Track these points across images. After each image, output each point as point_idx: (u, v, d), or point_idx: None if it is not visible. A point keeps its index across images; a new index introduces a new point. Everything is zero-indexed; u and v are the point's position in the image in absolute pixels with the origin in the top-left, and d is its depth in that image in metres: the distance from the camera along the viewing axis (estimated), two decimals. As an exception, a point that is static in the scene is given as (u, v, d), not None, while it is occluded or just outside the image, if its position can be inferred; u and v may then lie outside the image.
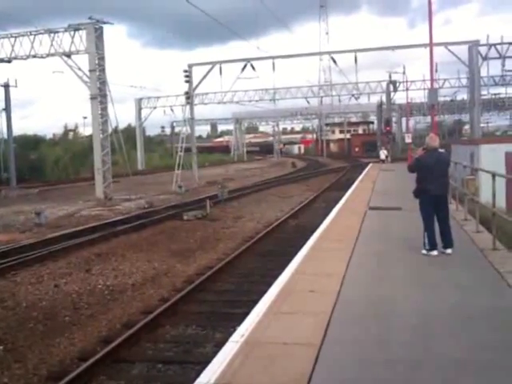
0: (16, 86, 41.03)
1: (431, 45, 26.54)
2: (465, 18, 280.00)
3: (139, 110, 69.81)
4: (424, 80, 54.91)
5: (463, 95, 63.33)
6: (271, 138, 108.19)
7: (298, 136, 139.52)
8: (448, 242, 9.57)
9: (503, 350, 5.29)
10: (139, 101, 69.29)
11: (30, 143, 56.79)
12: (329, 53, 49.10)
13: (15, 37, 32.67)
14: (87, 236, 17.32)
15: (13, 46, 32.66)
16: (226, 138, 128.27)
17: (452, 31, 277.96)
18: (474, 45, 38.45)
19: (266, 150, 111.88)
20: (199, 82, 42.75)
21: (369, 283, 7.85)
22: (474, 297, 7.07)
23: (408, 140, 44.39)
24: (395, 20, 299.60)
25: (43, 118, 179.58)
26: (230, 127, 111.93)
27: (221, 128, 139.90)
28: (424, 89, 54.76)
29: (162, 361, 7.74)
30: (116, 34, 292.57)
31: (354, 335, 5.79)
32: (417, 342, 5.56)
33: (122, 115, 39.70)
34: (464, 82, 52.98)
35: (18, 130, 61.34)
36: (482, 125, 48.90)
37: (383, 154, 48.07)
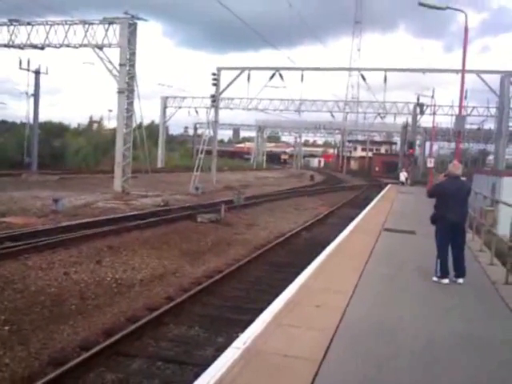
0: (47, 73, 41.46)
1: (463, 71, 26.39)
2: (503, 46, 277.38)
3: (164, 108, 70.16)
4: (452, 106, 54.64)
5: (490, 125, 62.89)
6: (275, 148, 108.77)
7: (319, 149, 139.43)
8: (460, 272, 9.50)
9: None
10: (165, 99, 69.69)
11: (55, 131, 57.24)
12: (359, 69, 49.00)
13: (50, 25, 33.05)
14: (101, 227, 17.42)
15: (47, 34, 33.04)
16: (247, 144, 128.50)
17: (488, 59, 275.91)
18: (506, 75, 38.20)
19: (270, 159, 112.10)
20: (226, 87, 42.93)
21: (376, 304, 7.83)
22: (481, 329, 7.02)
23: (430, 164, 44.15)
24: (432, 42, 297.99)
25: (70, 107, 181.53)
26: (252, 134, 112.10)
27: (243, 134, 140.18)
28: (451, 114, 54.46)
29: (162, 359, 7.77)
30: (151, 32, 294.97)
31: (356, 354, 5.78)
32: (417, 367, 5.55)
33: (146, 112, 40.14)
34: (493, 111, 52.66)
35: (44, 116, 61.95)
36: (506, 157, 48.47)
37: (403, 176, 47.85)
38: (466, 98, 35.51)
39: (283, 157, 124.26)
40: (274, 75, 42.87)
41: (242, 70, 43.20)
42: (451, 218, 9.42)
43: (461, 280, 9.45)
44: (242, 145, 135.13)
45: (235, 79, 42.83)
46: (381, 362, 5.60)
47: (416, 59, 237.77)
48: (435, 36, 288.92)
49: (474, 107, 58.66)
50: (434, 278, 9.48)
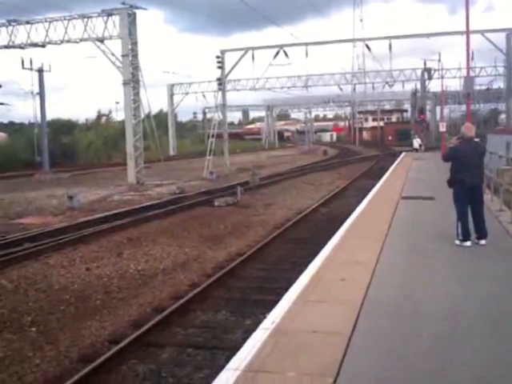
0: (50, 71, 41.44)
1: (468, 32, 25.92)
2: (508, 3, 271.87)
3: (171, 95, 70.11)
4: (460, 68, 53.91)
5: (500, 83, 62.02)
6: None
7: (331, 123, 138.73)
8: (482, 233, 9.41)
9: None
10: (171, 86, 69.59)
11: (63, 128, 57.46)
12: (363, 40, 48.54)
13: (49, 21, 33.01)
14: (119, 220, 17.46)
15: (47, 31, 33.02)
16: (258, 124, 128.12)
17: (493, 18, 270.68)
18: (511, 32, 37.58)
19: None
20: (231, 68, 42.68)
21: (400, 273, 7.75)
22: (508, 289, 6.91)
23: (442, 129, 43.72)
24: (436, 6, 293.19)
25: (77, 102, 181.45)
26: (262, 114, 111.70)
27: (252, 114, 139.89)
28: (460, 77, 53.69)
29: (192, 346, 7.76)
30: (154, 20, 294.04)
31: (385, 326, 5.72)
32: (447, 335, 5.46)
33: (154, 100, 40.23)
34: (501, 70, 51.86)
35: (52, 114, 62.14)
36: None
37: (417, 142, 47.39)
38: (472, 58, 35.06)
39: (286, 134, 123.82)
40: (278, 53, 42.57)
41: (246, 50, 42.93)
42: (468, 180, 9.33)
43: (483, 241, 9.36)
44: (252, 126, 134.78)
45: (239, 60, 42.63)
46: (409, 332, 5.52)
47: (421, 25, 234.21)
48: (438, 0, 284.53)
49: (481, 67, 57.83)
50: (457, 242, 9.39)
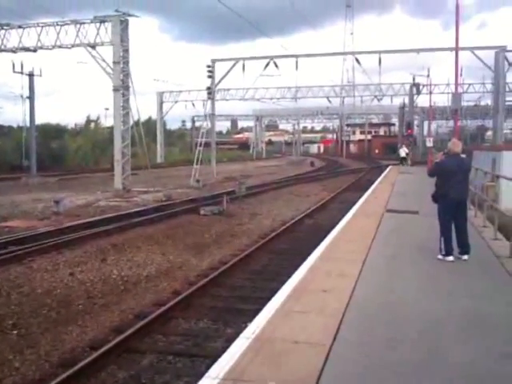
0: (40, 76, 41.35)
1: (457, 49, 26.27)
2: (501, 20, 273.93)
3: (161, 103, 70.12)
4: (448, 84, 54.52)
5: (487, 100, 62.71)
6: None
7: (318, 135, 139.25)
8: (465, 248, 9.50)
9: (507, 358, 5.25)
10: (161, 94, 69.61)
11: (52, 132, 57.17)
12: (353, 53, 48.93)
13: (41, 26, 32.97)
14: (104, 226, 17.41)
15: (39, 36, 32.97)
16: (246, 134, 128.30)
17: (486, 35, 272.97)
18: (500, 50, 38.01)
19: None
20: (222, 78, 42.84)
21: (382, 286, 7.81)
22: (487, 305, 6.99)
23: (429, 144, 44.00)
24: (429, 22, 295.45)
25: (66, 107, 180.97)
26: (251, 124, 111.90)
27: (241, 124, 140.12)
28: (448, 93, 54.31)
29: (173, 353, 7.77)
30: (148, 28, 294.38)
31: (365, 337, 5.77)
32: (425, 346, 5.52)
33: (143, 108, 40.20)
34: (489, 87, 52.47)
35: (41, 118, 61.71)
36: (505, 131, 48.33)
37: (403, 151, 47.20)
38: (461, 75, 35.41)
39: (261, 145, 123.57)
40: (268, 64, 42.78)
41: (237, 60, 43.12)
42: (453, 195, 9.42)
43: (466, 256, 9.44)
44: (240, 135, 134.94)
45: (230, 70, 42.80)
46: (389, 343, 5.58)
47: (413, 40, 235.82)
48: (432, 15, 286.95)
49: (470, 84, 58.67)
50: (439, 256, 9.46)
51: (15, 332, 8.56)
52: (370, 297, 7.22)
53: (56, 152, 50.49)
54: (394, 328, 6.06)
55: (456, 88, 29.41)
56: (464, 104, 54.26)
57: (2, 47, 33.87)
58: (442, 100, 65.56)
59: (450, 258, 9.37)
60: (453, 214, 9.53)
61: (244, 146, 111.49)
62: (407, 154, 46.85)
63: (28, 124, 42.02)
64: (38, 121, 47.14)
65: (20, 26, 33.40)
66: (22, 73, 39.94)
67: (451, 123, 45.86)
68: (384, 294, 7.41)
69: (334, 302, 6.91)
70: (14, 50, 34.20)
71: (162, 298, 10.50)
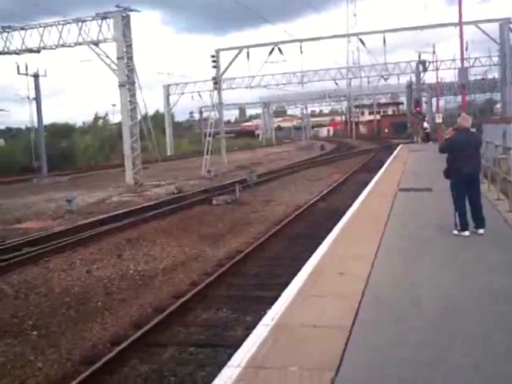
0: (45, 76, 41.39)
1: (461, 23, 25.99)
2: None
3: (167, 96, 70.04)
4: (454, 59, 53.87)
5: (494, 73, 61.93)
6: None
7: (327, 118, 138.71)
8: (480, 222, 9.42)
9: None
10: (167, 87, 69.52)
11: (61, 131, 57.28)
12: (357, 34, 48.42)
13: (44, 27, 32.97)
14: (118, 222, 17.45)
15: (41, 36, 32.97)
16: (255, 122, 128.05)
17: (490, 8, 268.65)
18: (505, 22, 37.45)
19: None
20: (227, 67, 42.64)
21: (399, 265, 7.75)
22: (506, 278, 6.91)
23: (438, 120, 43.62)
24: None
25: (73, 106, 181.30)
26: (259, 111, 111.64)
27: (249, 112, 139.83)
28: (454, 68, 53.67)
29: (194, 344, 7.77)
30: (151, 22, 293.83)
31: (385, 318, 5.73)
32: (445, 325, 5.47)
33: (150, 101, 40.15)
34: (495, 60, 51.78)
35: (49, 118, 62.03)
36: (513, 103, 47.73)
37: (427, 123, 45.77)
38: (466, 49, 35.01)
39: (257, 132, 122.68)
40: (273, 50, 42.47)
41: (241, 49, 42.87)
42: (465, 170, 9.35)
43: (481, 230, 9.37)
44: (249, 123, 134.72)
45: (234, 59, 42.54)
46: (409, 324, 5.52)
47: (418, 17, 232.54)
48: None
49: (476, 58, 57.77)
50: (455, 232, 9.40)
51: (35, 333, 8.59)
52: (387, 277, 7.16)
53: (65, 151, 50.59)
54: (411, 307, 6.01)
55: (462, 63, 29.13)
56: (471, 78, 53.64)
57: (6, 50, 33.92)
58: (449, 76, 64.73)
59: (466, 233, 9.29)
60: (466, 189, 9.46)
61: (249, 133, 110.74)
62: (426, 130, 45.40)
63: (36, 125, 42.14)
64: (46, 121, 47.39)
65: (22, 28, 33.41)
66: (27, 74, 39.98)
67: (460, 98, 45.36)
68: (401, 273, 7.35)
69: (351, 285, 6.87)
70: (17, 52, 34.25)
71: (180, 290, 10.50)
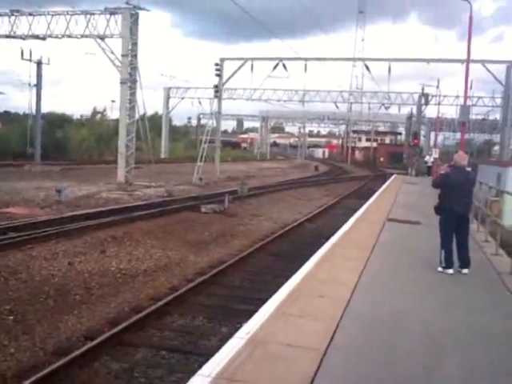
0: (48, 64, 41.36)
1: (468, 61, 26.21)
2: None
3: (167, 98, 70.11)
4: (457, 96, 54.31)
5: (496, 115, 62.43)
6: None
7: (324, 140, 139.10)
8: (465, 262, 9.46)
9: (505, 375, 5.24)
10: (168, 90, 69.60)
11: (58, 121, 57.16)
12: (362, 59, 48.92)
13: (52, 15, 32.96)
14: (105, 218, 17.41)
15: (49, 24, 32.96)
16: (251, 135, 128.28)
17: (501, 49, 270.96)
18: (512, 64, 37.97)
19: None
20: (229, 77, 42.74)
21: (380, 295, 7.80)
22: (485, 319, 6.98)
23: (435, 155, 43.81)
24: (446, 32, 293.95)
25: (72, 97, 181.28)
26: (256, 124, 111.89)
27: (246, 124, 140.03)
28: (456, 105, 54.09)
29: (167, 348, 7.80)
30: (160, 22, 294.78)
31: (360, 345, 5.77)
32: (421, 358, 5.52)
33: (150, 102, 40.38)
34: (499, 101, 52.25)
35: (47, 107, 61.93)
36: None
37: (430, 157, 44.90)
38: (471, 88, 35.29)
39: (243, 145, 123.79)
40: (277, 65, 42.64)
41: (245, 60, 43.05)
42: (456, 208, 9.38)
43: (466, 270, 9.41)
44: (245, 135, 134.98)
45: (238, 70, 42.68)
46: (384, 353, 5.58)
47: (426, 49, 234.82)
48: (449, 25, 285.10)
49: (479, 97, 58.19)
50: (439, 269, 9.44)
51: (11, 318, 8.59)
52: (366, 305, 7.21)
53: (60, 142, 50.46)
54: (388, 338, 6.06)
55: (465, 100, 29.30)
56: (472, 117, 54.07)
57: (12, 33, 33.85)
58: (451, 112, 65.22)
59: (450, 271, 9.35)
60: (455, 227, 9.49)
61: (235, 145, 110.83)
62: (427, 164, 44.34)
63: (34, 112, 42.02)
64: (44, 109, 47.26)
65: (30, 14, 33.38)
66: (30, 60, 39.96)
67: (458, 135, 45.63)
68: (380, 303, 7.40)
69: (330, 308, 6.92)
70: (23, 37, 34.17)
71: (159, 292, 10.52)
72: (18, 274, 10.85)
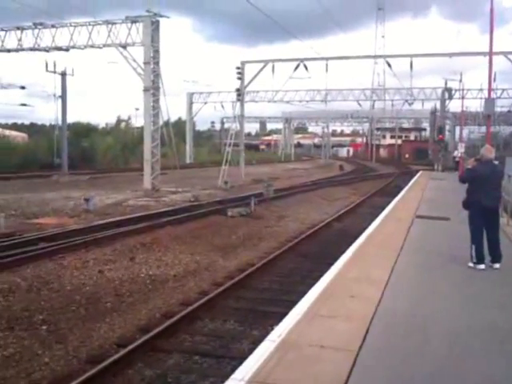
0: (73, 75, 41.86)
1: (490, 53, 25.80)
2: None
3: (190, 104, 70.48)
4: (481, 89, 53.65)
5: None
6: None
7: (347, 139, 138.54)
8: (496, 257, 9.33)
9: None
10: (191, 95, 69.97)
11: (83, 131, 57.83)
12: (383, 56, 48.42)
13: (74, 26, 33.36)
14: (133, 225, 17.56)
15: (71, 35, 33.36)
16: (275, 136, 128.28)
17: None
18: (535, 55, 37.33)
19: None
20: (251, 80, 42.74)
21: (411, 293, 7.73)
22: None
23: (461, 149, 43.26)
24: (467, 25, 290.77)
25: (97, 107, 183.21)
26: (279, 126, 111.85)
27: (270, 126, 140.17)
28: (481, 98, 53.45)
29: (199, 353, 7.81)
30: (181, 28, 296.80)
31: (393, 345, 5.72)
32: (453, 357, 5.44)
33: (174, 108, 40.46)
34: (524, 93, 51.45)
35: (72, 117, 62.58)
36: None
37: (458, 152, 44.43)
38: (495, 80, 34.78)
39: (261, 147, 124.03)
40: (298, 66, 42.56)
41: (266, 62, 43.01)
42: (485, 202, 9.26)
43: (497, 265, 9.29)
44: (269, 137, 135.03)
45: (259, 72, 42.61)
46: (417, 352, 5.52)
47: (448, 43, 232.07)
48: (470, 18, 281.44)
49: (503, 90, 57.41)
50: (470, 264, 9.33)
51: (45, 327, 8.69)
52: (398, 303, 7.15)
53: (86, 151, 51.04)
54: (420, 336, 5.99)
55: (489, 93, 28.83)
56: (497, 110, 53.27)
57: (36, 46, 34.34)
58: (475, 105, 64.08)
59: (481, 266, 9.23)
60: (484, 222, 9.37)
61: (253, 147, 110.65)
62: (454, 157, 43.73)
63: (60, 122, 42.56)
64: (70, 119, 47.80)
65: (53, 26, 33.82)
66: (54, 72, 40.47)
67: (484, 129, 45.01)
68: (412, 301, 7.33)
69: (361, 308, 6.87)
70: (46, 50, 34.64)
71: (189, 297, 10.56)
72: (50, 284, 10.99)
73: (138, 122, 68.57)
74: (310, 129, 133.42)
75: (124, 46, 31.98)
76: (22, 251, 13.20)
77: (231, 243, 16.26)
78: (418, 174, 39.49)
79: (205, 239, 16.46)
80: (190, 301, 10.23)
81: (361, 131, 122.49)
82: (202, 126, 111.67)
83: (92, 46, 33.23)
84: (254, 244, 16.31)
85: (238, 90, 41.33)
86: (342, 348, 5.55)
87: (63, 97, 41.36)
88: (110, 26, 32.37)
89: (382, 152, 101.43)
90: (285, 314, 6.72)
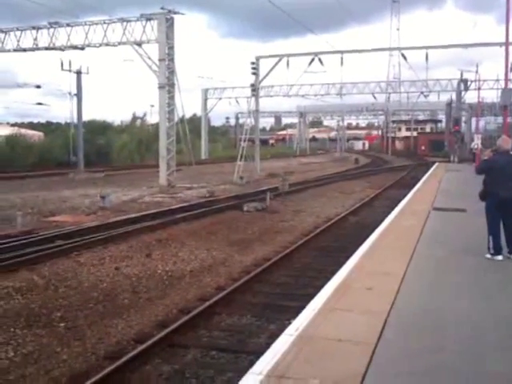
0: (88, 73, 42.07)
1: (507, 43, 25.54)
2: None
3: (205, 100, 70.57)
4: (498, 80, 53.09)
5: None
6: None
7: (363, 132, 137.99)
8: (514, 247, 9.26)
9: None
10: (205, 91, 70.04)
11: (99, 129, 58.21)
12: (399, 49, 48.18)
13: (89, 25, 33.52)
14: (149, 221, 17.63)
15: (86, 34, 33.52)
16: (289, 131, 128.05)
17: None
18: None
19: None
20: (265, 75, 42.63)
21: (428, 285, 7.67)
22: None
23: (477, 141, 42.82)
24: (484, 17, 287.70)
25: (112, 104, 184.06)
26: (294, 120, 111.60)
27: (285, 121, 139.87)
28: (497, 88, 52.89)
29: (216, 348, 7.81)
30: (196, 24, 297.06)
31: (410, 338, 5.67)
32: (471, 352, 5.37)
33: (189, 104, 40.50)
34: (540, 82, 50.76)
35: (88, 115, 62.89)
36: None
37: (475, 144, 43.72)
38: (511, 70, 34.34)
39: (271, 141, 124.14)
40: (313, 60, 42.42)
41: (281, 57, 42.86)
42: (501, 193, 9.17)
43: (515, 256, 9.20)
44: (284, 132, 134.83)
45: (274, 67, 42.49)
46: (434, 346, 5.46)
47: (464, 34, 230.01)
48: (486, 9, 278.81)
49: (520, 79, 56.70)
50: (488, 256, 9.25)
51: (63, 325, 8.74)
52: (415, 296, 7.09)
53: (102, 148, 51.33)
54: (438, 330, 5.94)
55: (506, 83, 28.57)
56: (514, 100, 52.59)
57: (51, 45, 34.55)
58: (491, 96, 63.50)
59: (499, 257, 9.15)
60: (501, 212, 9.29)
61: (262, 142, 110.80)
62: (473, 150, 43.21)
63: (75, 121, 42.81)
64: (85, 117, 48.12)
65: (68, 25, 34.02)
66: (70, 70, 40.67)
67: (500, 120, 44.49)
68: (429, 294, 7.27)
69: (378, 301, 6.82)
70: (62, 48, 34.84)
71: (206, 293, 10.57)
72: (68, 281, 11.06)
73: (153, 118, 68.73)
74: (325, 122, 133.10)
75: (139, 44, 32.06)
76: (39, 249, 13.30)
77: (247, 238, 16.26)
78: (434, 166, 39.20)
79: (220, 234, 16.47)
80: (206, 296, 10.24)
81: (376, 124, 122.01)
82: (216, 122, 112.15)
83: (107, 44, 33.38)
84: (270, 238, 16.29)
85: (252, 85, 41.25)
86: (360, 342, 5.51)
87: (78, 95, 41.57)
88: (124, 23, 32.48)
89: (398, 144, 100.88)
90: (302, 308, 6.70)
